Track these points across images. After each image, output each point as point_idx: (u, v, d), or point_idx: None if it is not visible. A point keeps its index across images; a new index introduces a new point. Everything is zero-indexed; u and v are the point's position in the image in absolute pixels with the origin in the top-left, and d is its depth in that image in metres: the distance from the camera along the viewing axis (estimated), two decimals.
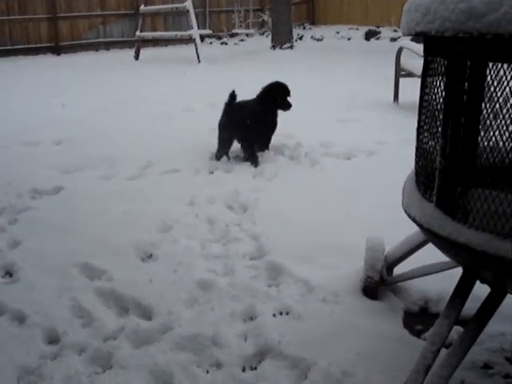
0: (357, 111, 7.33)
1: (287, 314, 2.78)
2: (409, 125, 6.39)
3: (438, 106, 1.99)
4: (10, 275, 3.30)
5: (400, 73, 7.90)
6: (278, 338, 2.53)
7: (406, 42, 8.05)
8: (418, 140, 2.21)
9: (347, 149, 5.48)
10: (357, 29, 20.52)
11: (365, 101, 8.11)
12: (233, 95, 5.25)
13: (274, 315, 2.78)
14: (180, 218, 3.91)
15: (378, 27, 19.65)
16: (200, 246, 3.52)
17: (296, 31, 19.50)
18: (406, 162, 4.69)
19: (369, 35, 19.25)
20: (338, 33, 20.59)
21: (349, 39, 19.66)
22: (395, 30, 19.07)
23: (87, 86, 10.44)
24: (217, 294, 2.94)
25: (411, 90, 7.75)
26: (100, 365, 2.48)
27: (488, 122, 2.06)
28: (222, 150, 5.32)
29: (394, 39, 17.98)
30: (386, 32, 19.17)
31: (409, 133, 5.93)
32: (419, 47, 7.20)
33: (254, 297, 2.90)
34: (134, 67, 13.90)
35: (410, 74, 7.74)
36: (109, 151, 5.61)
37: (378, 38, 18.89)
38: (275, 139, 5.51)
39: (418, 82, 7.04)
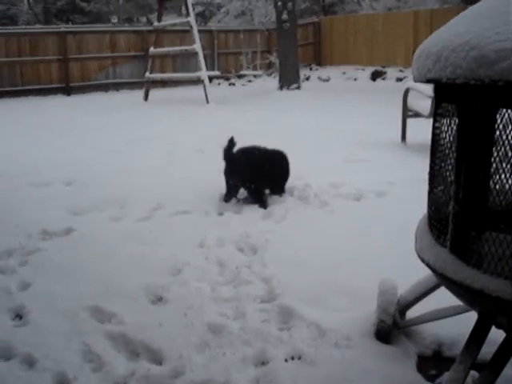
0: (365, 151, 7.37)
1: (299, 358, 2.75)
2: (417, 165, 6.44)
3: (450, 151, 2.01)
4: (20, 318, 3.27)
5: (407, 113, 7.97)
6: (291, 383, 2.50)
7: (413, 83, 8.13)
8: (431, 184, 2.21)
9: (356, 189, 5.49)
10: (363, 69, 20.79)
11: (373, 141, 8.16)
12: (232, 141, 5.32)
13: (286, 360, 2.74)
14: (190, 261, 3.90)
15: (384, 67, 19.91)
16: (210, 289, 3.50)
17: (303, 72, 19.75)
18: (415, 203, 4.69)
19: (375, 75, 19.50)
20: (344, 73, 20.87)
21: (355, 79, 19.90)
22: (401, 70, 19.30)
23: (97, 127, 10.57)
24: (228, 339, 2.91)
25: (418, 130, 7.83)
26: None
27: (501, 165, 2.06)
28: (230, 194, 5.37)
29: (399, 79, 18.20)
30: (391, 72, 19.41)
31: (417, 173, 5.95)
32: (426, 88, 7.27)
33: (266, 341, 2.86)
34: (144, 108, 14.09)
35: (417, 115, 7.82)
36: (118, 192, 5.64)
37: (383, 78, 19.12)
38: None
39: (424, 122, 7.10)
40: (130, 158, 7.55)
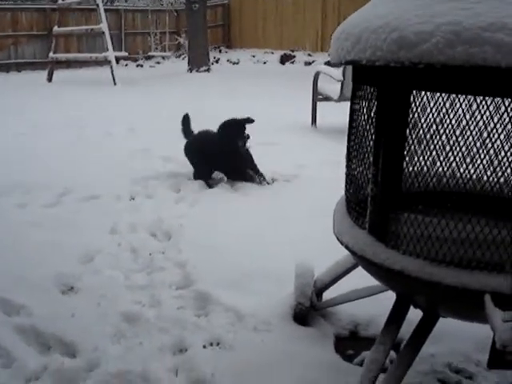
0: (276, 134, 7.38)
1: (218, 344, 2.71)
2: (327, 147, 6.55)
3: (368, 134, 2.01)
4: None
5: (317, 97, 8.05)
6: (211, 370, 2.45)
7: (323, 66, 8.26)
8: (348, 167, 2.22)
9: (269, 172, 5.48)
10: (272, 53, 20.91)
11: (284, 124, 8.20)
12: (187, 119, 5.47)
13: (205, 346, 2.70)
14: (102, 248, 3.76)
15: (293, 51, 20.08)
16: (124, 277, 3.39)
17: (212, 54, 19.62)
18: (327, 185, 4.78)
19: (284, 59, 19.64)
20: (253, 56, 20.91)
21: (264, 63, 19.97)
22: (309, 55, 19.55)
23: None
24: (144, 327, 2.83)
25: (328, 113, 7.95)
26: None
27: (422, 148, 2.09)
28: (208, 174, 5.37)
29: (308, 63, 18.43)
30: (300, 56, 19.62)
31: (328, 155, 6.07)
32: (336, 72, 7.38)
33: (183, 328, 2.81)
34: (48, 89, 13.55)
35: (326, 98, 7.92)
36: (23, 177, 5.38)
37: (292, 62, 19.29)
38: None
39: (334, 105, 7.21)
40: (34, 141, 7.23)
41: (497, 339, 1.56)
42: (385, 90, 1.84)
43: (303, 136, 7.46)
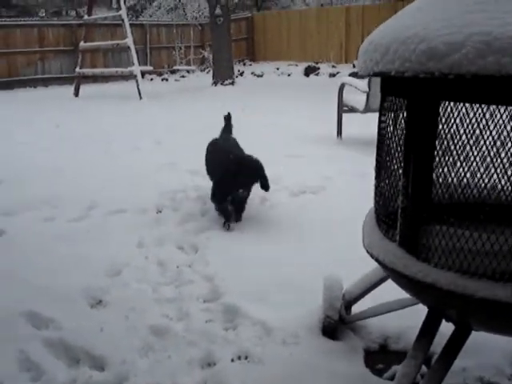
0: (302, 147, 7.38)
1: (246, 358, 2.70)
2: (353, 159, 6.52)
3: (398, 145, 1.99)
4: None
5: (342, 108, 8.02)
6: None
7: (348, 78, 8.24)
8: (377, 179, 2.20)
9: (296, 185, 5.47)
10: (296, 65, 20.98)
11: (309, 136, 8.18)
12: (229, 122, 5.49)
13: (233, 360, 2.68)
14: (129, 261, 3.78)
15: (317, 63, 20.11)
16: (152, 290, 3.40)
17: (236, 67, 19.72)
18: (353, 197, 4.76)
19: (308, 71, 19.67)
20: (277, 69, 20.99)
21: (289, 75, 20.02)
22: (333, 66, 19.56)
23: (26, 124, 10.18)
24: (172, 341, 2.82)
25: (353, 125, 7.92)
26: None
27: (451, 159, 2.06)
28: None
29: (332, 75, 18.44)
30: (324, 68, 19.64)
31: (354, 167, 6.04)
32: (361, 83, 7.36)
33: (212, 342, 2.80)
34: (75, 104, 13.74)
35: (352, 110, 7.88)
36: (50, 192, 5.44)
37: (317, 74, 19.31)
38: None
39: (360, 117, 7.17)
40: (62, 155, 7.32)
41: None
42: (414, 101, 1.82)
43: (329, 148, 7.43)
